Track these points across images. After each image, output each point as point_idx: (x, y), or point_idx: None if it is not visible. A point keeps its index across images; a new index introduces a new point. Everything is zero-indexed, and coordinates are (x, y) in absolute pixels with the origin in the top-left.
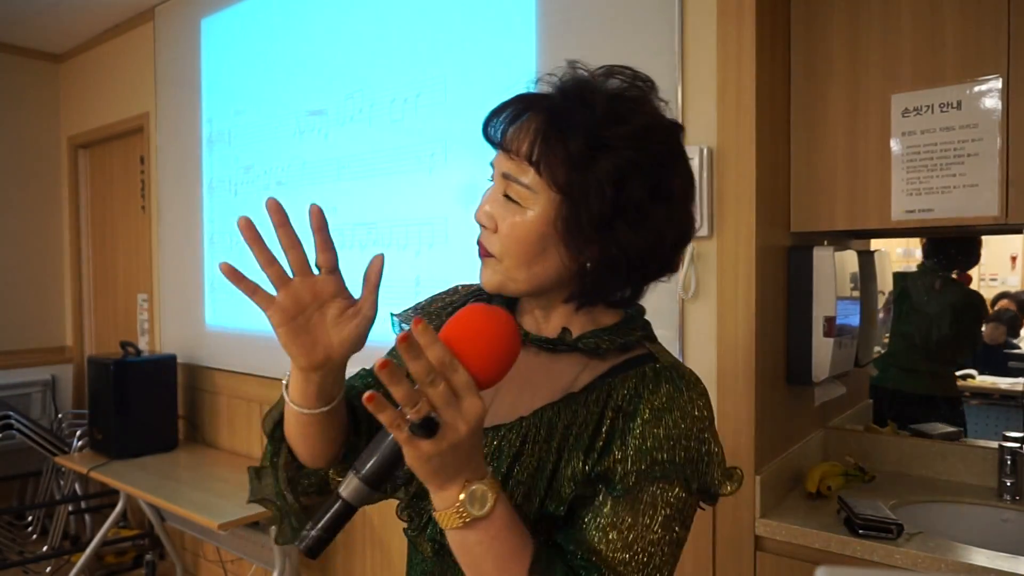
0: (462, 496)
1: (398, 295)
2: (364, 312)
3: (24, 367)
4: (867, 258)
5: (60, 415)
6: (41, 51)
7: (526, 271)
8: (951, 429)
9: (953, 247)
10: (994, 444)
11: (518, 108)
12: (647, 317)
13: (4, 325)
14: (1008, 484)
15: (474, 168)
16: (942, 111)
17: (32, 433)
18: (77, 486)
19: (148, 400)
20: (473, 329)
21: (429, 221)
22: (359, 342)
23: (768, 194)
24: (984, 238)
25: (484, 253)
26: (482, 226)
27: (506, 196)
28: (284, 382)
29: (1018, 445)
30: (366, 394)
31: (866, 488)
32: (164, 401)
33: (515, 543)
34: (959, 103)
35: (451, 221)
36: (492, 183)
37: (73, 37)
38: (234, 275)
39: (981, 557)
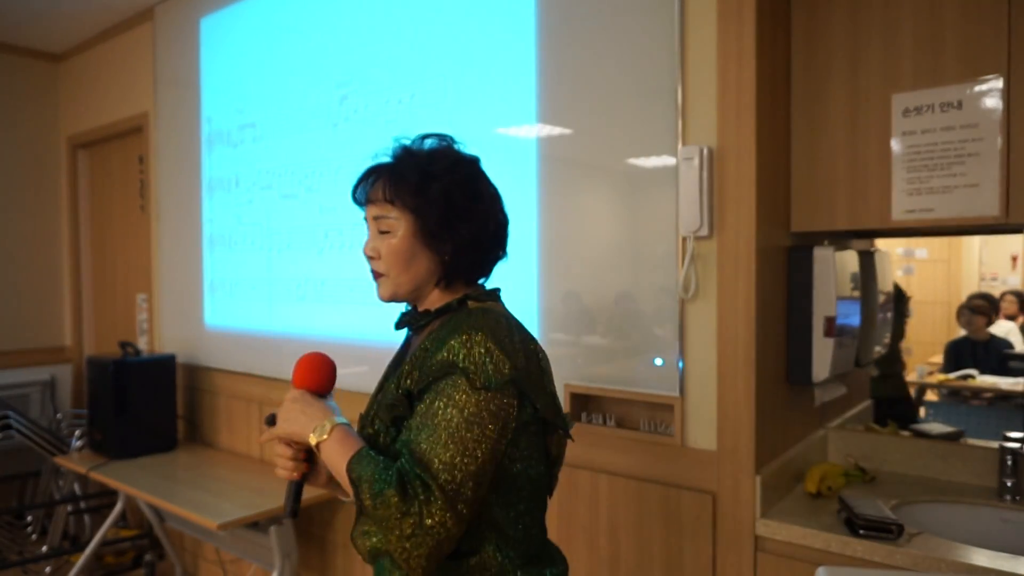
0: (312, 432)
1: None
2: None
3: (23, 367)
4: (867, 258)
5: (59, 415)
6: (41, 51)
7: (406, 275)
8: (951, 429)
9: None
10: (994, 444)
11: (370, 175)
12: (647, 318)
13: (3, 325)
14: (1008, 484)
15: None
16: (943, 111)
17: (31, 433)
18: (76, 486)
19: (147, 400)
20: (301, 367)
21: None
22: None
23: (768, 194)
24: (984, 237)
25: (376, 276)
26: (370, 258)
27: (380, 232)
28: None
29: (1018, 445)
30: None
31: (866, 488)
32: (163, 401)
33: (344, 450)
34: (960, 103)
35: None
36: (368, 230)
37: (73, 37)
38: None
39: (981, 557)
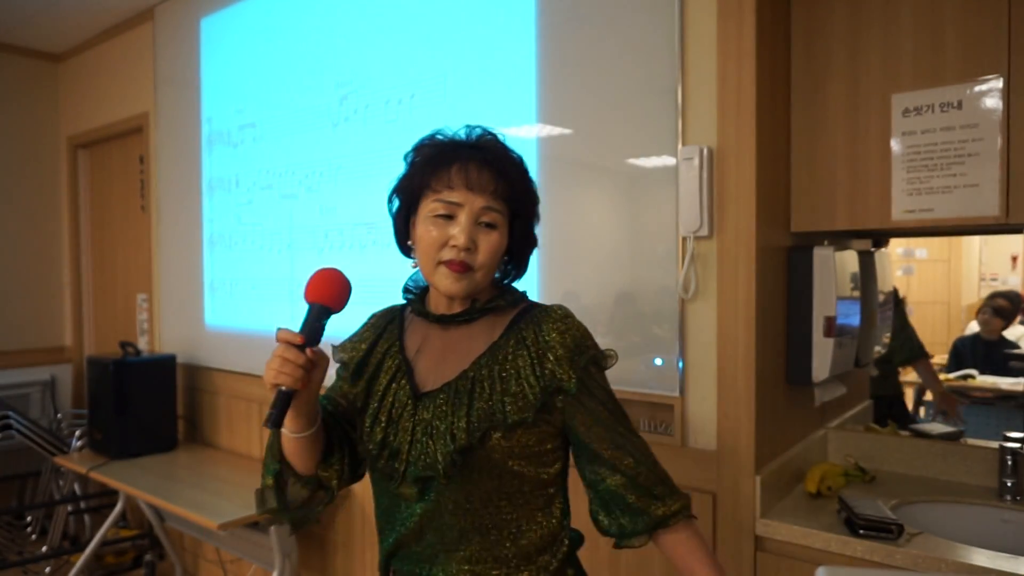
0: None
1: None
2: (322, 362)
3: (23, 367)
4: (867, 258)
5: (59, 415)
6: (41, 51)
7: (489, 275)
8: (951, 429)
9: None
10: (994, 444)
11: (472, 160)
12: (647, 318)
13: (3, 325)
14: (1008, 484)
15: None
16: (942, 111)
17: (31, 433)
18: (76, 486)
19: (148, 400)
20: (322, 282)
21: None
22: (322, 381)
23: (768, 194)
24: (984, 238)
25: (464, 269)
26: (462, 248)
27: (482, 224)
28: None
29: (1018, 445)
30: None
31: (866, 488)
32: (164, 401)
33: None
34: (960, 103)
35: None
36: (436, 217)
37: (73, 37)
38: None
39: (981, 557)
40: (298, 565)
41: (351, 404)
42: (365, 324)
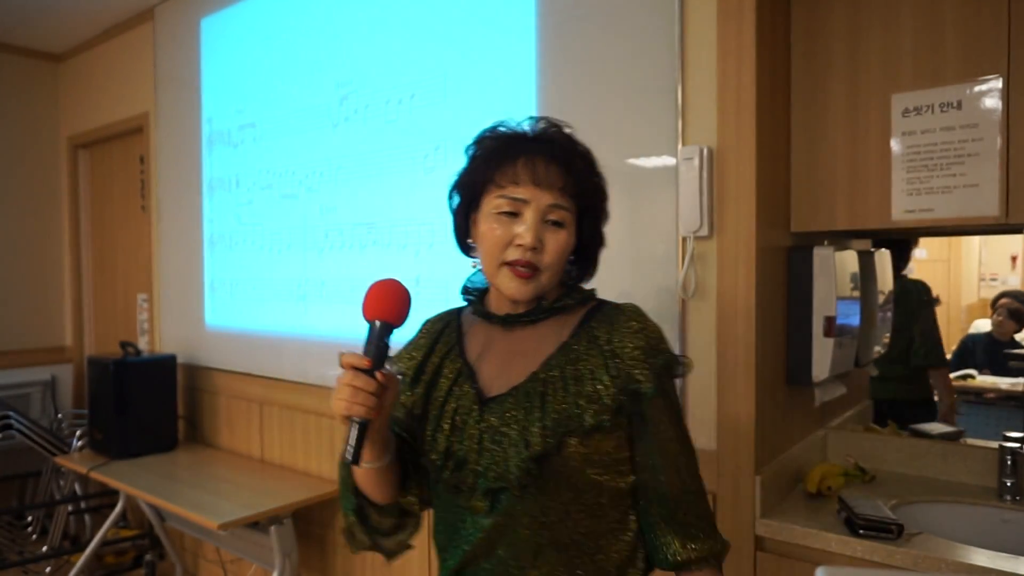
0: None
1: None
2: (392, 384)
3: (24, 367)
4: (867, 258)
5: (60, 415)
6: (41, 51)
7: (556, 276)
8: (951, 429)
9: (887, 245)
10: (994, 444)
11: (539, 155)
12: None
13: (4, 325)
14: (1008, 484)
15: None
16: (942, 111)
17: (32, 433)
18: (77, 486)
19: (148, 400)
20: (380, 296)
21: (429, 221)
22: (393, 404)
23: (768, 194)
24: (984, 238)
25: (530, 270)
26: (528, 247)
27: (550, 222)
28: (340, 459)
29: (1018, 445)
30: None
31: (866, 488)
32: (164, 401)
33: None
34: (959, 103)
35: (450, 221)
36: (500, 214)
37: (73, 37)
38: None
39: (981, 557)
40: (298, 565)
41: (409, 414)
42: (419, 331)
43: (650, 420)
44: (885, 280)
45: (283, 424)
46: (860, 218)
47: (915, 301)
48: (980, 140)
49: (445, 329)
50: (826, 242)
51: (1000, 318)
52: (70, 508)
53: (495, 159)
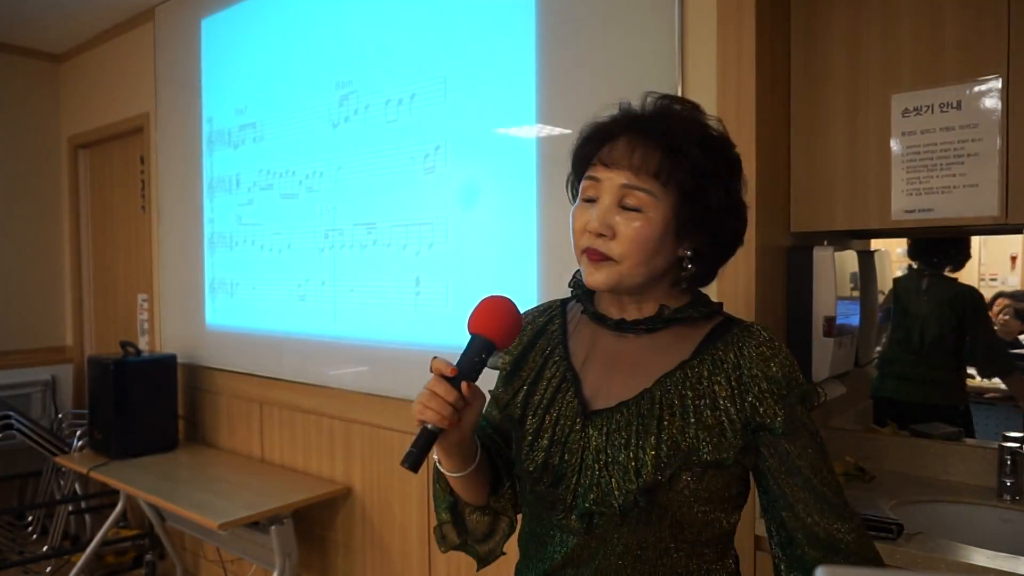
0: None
1: (398, 295)
2: (476, 401)
3: (24, 367)
4: (867, 258)
5: (60, 415)
6: (41, 51)
7: (646, 267)
8: (951, 429)
9: (944, 243)
10: (994, 444)
11: (621, 134)
12: None
13: (4, 325)
14: (1008, 484)
15: (474, 168)
16: (942, 111)
17: (32, 433)
18: (77, 486)
19: (148, 400)
20: (488, 312)
21: (429, 221)
22: (475, 422)
23: (768, 194)
24: (984, 238)
25: (600, 258)
26: (598, 235)
27: (623, 207)
28: (436, 460)
29: (1018, 445)
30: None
31: (866, 488)
32: (164, 401)
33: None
34: (959, 103)
35: (451, 221)
36: (583, 200)
37: (73, 37)
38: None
39: (981, 557)
40: (298, 565)
41: (505, 413)
42: (531, 317)
43: (782, 456)
44: (885, 280)
45: (283, 424)
46: (860, 218)
47: (968, 307)
48: (980, 140)
49: (548, 324)
50: (826, 242)
51: (1006, 318)
52: (70, 508)
53: (585, 143)
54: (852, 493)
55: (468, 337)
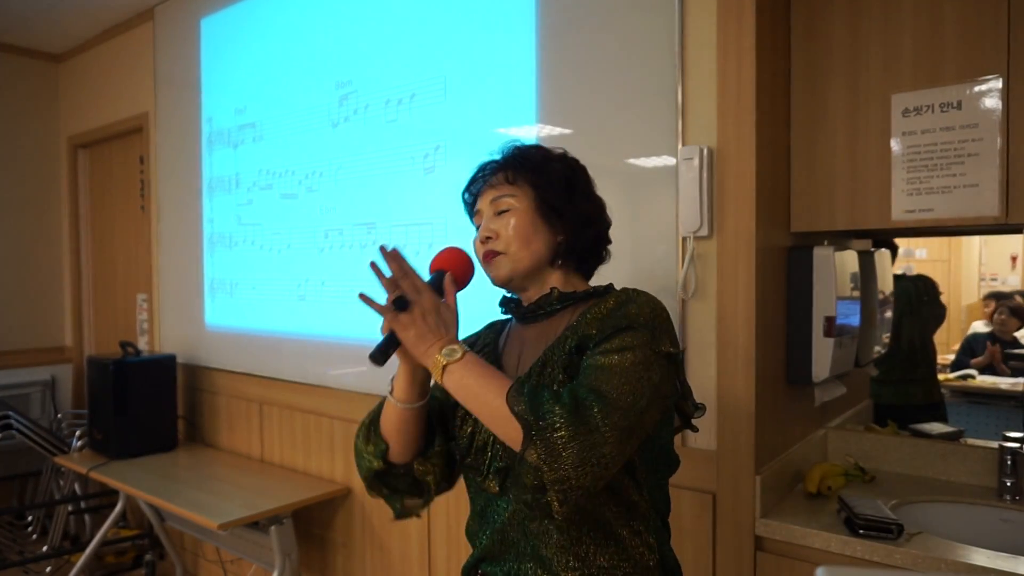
0: (441, 351)
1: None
2: (452, 307)
3: (24, 367)
4: (867, 258)
5: (60, 415)
6: (41, 51)
7: (526, 250)
8: (951, 429)
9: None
10: (994, 444)
11: (486, 168)
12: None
13: (4, 325)
14: (1008, 484)
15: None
16: (942, 111)
17: (32, 433)
18: (77, 486)
19: (148, 400)
20: (444, 257)
21: (429, 221)
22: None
23: (768, 194)
24: (984, 238)
25: (491, 256)
26: (486, 240)
27: (497, 214)
28: (389, 389)
29: (1018, 445)
30: (359, 293)
31: (866, 488)
32: (164, 401)
33: (489, 372)
34: (959, 103)
35: (450, 221)
36: (479, 226)
37: (73, 37)
38: (368, 301)
39: (981, 557)
40: (298, 565)
41: (445, 395)
42: (480, 329)
43: (591, 357)
44: (885, 280)
45: (283, 424)
46: (860, 218)
47: (915, 299)
48: (980, 140)
49: (490, 331)
50: (826, 242)
51: (1003, 316)
52: (70, 508)
53: (463, 196)
54: (852, 493)
55: (464, 332)
